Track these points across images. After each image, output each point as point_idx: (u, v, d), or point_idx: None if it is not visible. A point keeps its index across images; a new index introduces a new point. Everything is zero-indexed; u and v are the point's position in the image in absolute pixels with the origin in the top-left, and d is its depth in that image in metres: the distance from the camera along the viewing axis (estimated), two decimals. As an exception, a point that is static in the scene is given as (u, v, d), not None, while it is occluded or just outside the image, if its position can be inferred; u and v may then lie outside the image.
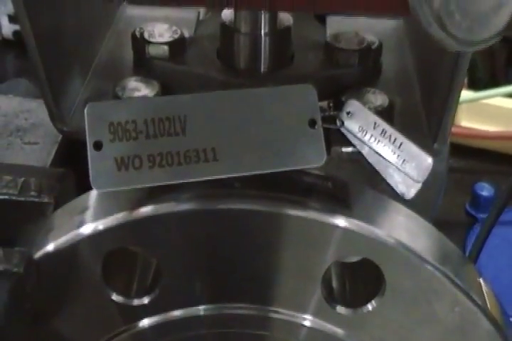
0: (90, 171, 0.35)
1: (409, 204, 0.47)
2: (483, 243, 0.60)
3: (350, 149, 0.40)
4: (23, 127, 0.51)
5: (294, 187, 0.38)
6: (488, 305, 0.39)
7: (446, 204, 0.85)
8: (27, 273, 0.36)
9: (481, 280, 0.41)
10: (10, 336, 0.36)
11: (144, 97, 0.41)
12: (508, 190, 0.49)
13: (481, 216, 0.85)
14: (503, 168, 0.90)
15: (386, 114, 0.41)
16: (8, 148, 0.51)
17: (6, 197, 0.38)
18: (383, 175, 0.39)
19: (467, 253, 0.75)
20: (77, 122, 0.42)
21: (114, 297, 0.39)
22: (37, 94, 0.55)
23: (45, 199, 0.39)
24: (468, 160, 0.92)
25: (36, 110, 0.52)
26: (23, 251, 0.37)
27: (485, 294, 0.40)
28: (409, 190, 0.39)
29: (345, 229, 0.38)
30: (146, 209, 0.37)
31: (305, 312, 0.39)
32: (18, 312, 0.37)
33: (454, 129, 0.49)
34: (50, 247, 0.37)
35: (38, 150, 0.50)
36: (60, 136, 0.50)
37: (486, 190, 0.85)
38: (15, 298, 0.36)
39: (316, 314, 0.39)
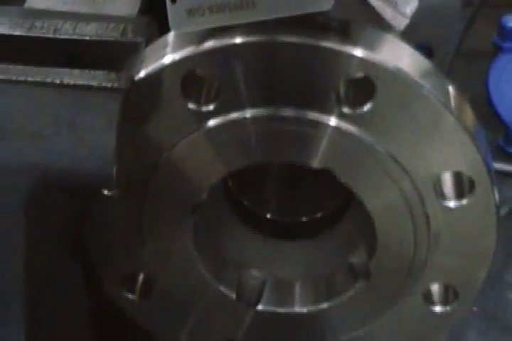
0: (169, 18, 0.52)
1: (424, 37, 0.62)
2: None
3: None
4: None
5: (314, 26, 0.55)
6: (454, 105, 0.55)
7: (475, 37, 0.97)
8: (131, 89, 0.54)
9: (453, 90, 0.57)
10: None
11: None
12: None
13: (507, 45, 0.99)
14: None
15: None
16: (104, 1, 0.67)
17: (112, 38, 0.56)
18: (379, 12, 0.54)
19: (490, 78, 0.90)
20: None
21: (190, 105, 0.57)
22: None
23: (139, 40, 0.56)
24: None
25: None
26: (128, 74, 0.55)
27: (453, 98, 0.56)
28: (400, 24, 0.55)
29: (353, 56, 0.54)
30: (209, 43, 0.54)
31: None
32: (124, 119, 0.55)
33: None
34: (143, 73, 0.56)
35: (126, 4, 0.66)
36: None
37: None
38: (124, 108, 0.54)
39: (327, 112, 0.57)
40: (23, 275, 0.55)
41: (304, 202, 0.74)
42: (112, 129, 0.54)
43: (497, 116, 0.94)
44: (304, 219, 0.74)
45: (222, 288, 0.69)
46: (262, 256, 0.72)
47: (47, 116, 0.54)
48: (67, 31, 0.56)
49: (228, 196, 0.72)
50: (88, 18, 0.58)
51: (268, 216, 0.74)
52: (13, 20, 0.56)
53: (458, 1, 0.67)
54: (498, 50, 0.99)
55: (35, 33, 0.56)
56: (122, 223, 0.65)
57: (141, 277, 0.69)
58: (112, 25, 0.57)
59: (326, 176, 0.68)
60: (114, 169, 0.54)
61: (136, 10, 0.65)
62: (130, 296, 0.70)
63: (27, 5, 0.64)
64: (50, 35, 0.56)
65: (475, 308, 0.79)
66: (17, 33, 0.56)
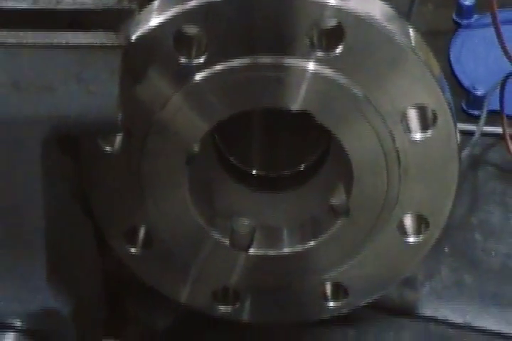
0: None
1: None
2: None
3: None
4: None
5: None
6: (414, 43, 0.65)
7: (434, 16, 1.10)
8: (129, 47, 0.62)
9: (412, 31, 0.66)
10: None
11: None
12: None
13: (465, 22, 1.10)
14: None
15: None
16: None
17: (109, 6, 0.64)
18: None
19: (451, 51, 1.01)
20: None
21: (182, 59, 0.65)
22: None
23: (133, 7, 0.64)
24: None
25: None
26: (125, 34, 0.62)
27: (413, 38, 0.65)
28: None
29: (325, 4, 0.63)
30: (191, 2, 0.63)
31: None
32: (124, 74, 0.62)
33: None
34: (138, 32, 0.64)
35: None
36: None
37: (468, 0, 1.09)
38: (123, 63, 0.62)
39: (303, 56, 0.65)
40: (44, 216, 0.62)
41: (285, 158, 0.82)
42: (115, 81, 0.61)
43: (459, 84, 1.04)
44: (287, 173, 0.82)
45: (216, 236, 0.76)
46: (251, 207, 0.80)
47: (56, 72, 0.61)
48: (68, 2, 0.64)
49: (217, 154, 0.80)
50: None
51: (253, 172, 0.82)
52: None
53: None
54: (457, 26, 1.10)
55: (39, 5, 0.64)
56: (122, 179, 0.73)
57: (141, 230, 0.76)
58: (106, -8, 0.65)
59: (304, 131, 0.77)
60: (119, 115, 0.62)
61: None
62: (132, 249, 0.77)
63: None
64: (53, 7, 0.64)
65: (446, 248, 0.88)
66: (23, 6, 0.64)
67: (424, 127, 0.69)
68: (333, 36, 0.65)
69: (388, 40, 0.65)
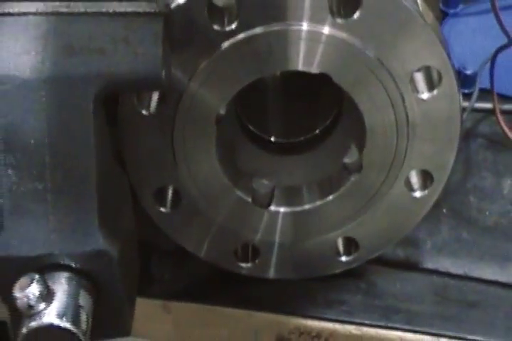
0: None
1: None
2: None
3: None
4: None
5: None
6: (421, 9, 0.73)
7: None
8: (168, 13, 0.70)
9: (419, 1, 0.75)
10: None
11: None
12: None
13: (451, 11, 1.21)
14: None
15: None
16: None
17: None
18: None
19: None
20: None
21: (215, 26, 0.73)
22: None
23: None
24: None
25: None
26: (166, 3, 0.70)
27: (420, 5, 0.74)
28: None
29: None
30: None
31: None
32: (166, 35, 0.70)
33: None
34: (174, 2, 0.72)
35: None
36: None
37: None
38: (165, 26, 0.70)
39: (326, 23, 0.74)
40: (96, 167, 0.70)
41: (300, 125, 0.91)
42: (158, 44, 0.69)
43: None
44: (302, 138, 0.90)
45: (239, 194, 0.84)
46: (271, 168, 0.88)
47: (106, 37, 0.69)
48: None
49: (238, 121, 0.88)
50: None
51: (271, 138, 0.91)
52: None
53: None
54: (444, 15, 1.21)
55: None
56: (155, 141, 0.80)
57: (170, 190, 0.84)
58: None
59: (316, 97, 0.85)
60: (163, 72, 0.69)
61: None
62: (162, 209, 0.85)
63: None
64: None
65: (444, 210, 0.96)
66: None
67: (431, 87, 0.78)
68: (349, 3, 0.74)
69: (399, 6, 0.73)
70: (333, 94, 0.83)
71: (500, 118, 1.03)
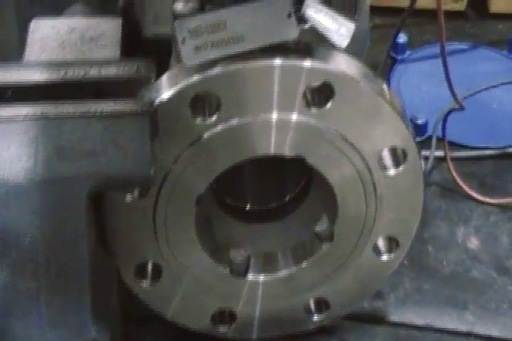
0: (181, 55, 0.75)
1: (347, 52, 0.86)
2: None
3: (307, 25, 0.81)
4: (94, 36, 0.89)
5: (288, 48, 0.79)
6: (389, 97, 0.82)
7: (373, 52, 1.29)
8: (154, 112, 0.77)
9: (386, 87, 0.83)
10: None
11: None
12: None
13: (399, 57, 1.32)
14: (416, 20, 1.30)
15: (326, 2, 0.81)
16: (89, 49, 0.88)
17: (130, 76, 0.78)
18: (326, 35, 0.80)
19: (390, 84, 1.20)
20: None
21: (198, 120, 0.80)
22: (93, 13, 0.94)
23: (151, 75, 0.78)
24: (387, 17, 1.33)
25: (98, 24, 0.90)
26: (150, 100, 0.77)
27: (387, 93, 0.82)
28: (342, 42, 0.80)
29: (312, 68, 0.79)
30: (214, 69, 0.78)
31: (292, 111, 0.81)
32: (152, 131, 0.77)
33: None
34: (161, 98, 0.78)
35: (108, 50, 0.87)
36: (120, 38, 0.88)
37: (402, 38, 1.31)
38: (151, 124, 0.76)
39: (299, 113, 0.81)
40: (88, 258, 0.76)
41: (273, 192, 0.98)
42: (146, 142, 0.75)
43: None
44: (275, 205, 0.98)
45: (218, 266, 0.91)
46: (246, 237, 0.96)
47: (95, 138, 0.75)
48: (94, 74, 0.78)
49: (214, 195, 0.95)
50: (108, 62, 0.79)
51: (247, 207, 0.98)
52: (50, 70, 0.77)
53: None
54: (394, 61, 1.33)
55: (69, 77, 0.77)
56: (137, 219, 0.86)
57: (150, 264, 0.90)
58: (128, 66, 0.79)
59: (286, 168, 0.93)
60: (152, 169, 0.76)
61: (118, 53, 0.87)
62: (143, 282, 0.91)
63: (26, 57, 0.85)
64: (81, 78, 0.78)
65: (405, 261, 1.06)
66: (56, 78, 0.77)
67: (397, 164, 0.87)
68: (323, 94, 0.81)
69: (369, 96, 0.82)
70: (303, 164, 0.90)
71: (451, 165, 1.13)
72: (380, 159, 0.86)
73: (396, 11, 1.30)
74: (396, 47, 1.32)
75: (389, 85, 1.26)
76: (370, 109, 0.82)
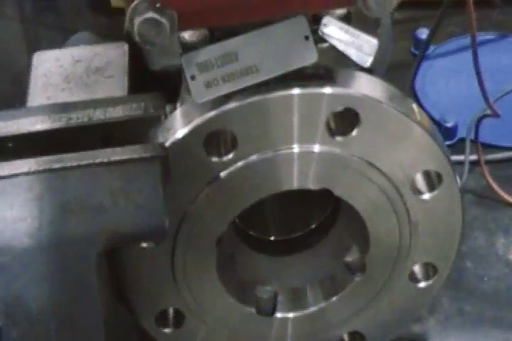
0: (191, 91, 0.68)
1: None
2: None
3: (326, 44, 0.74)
4: (100, 66, 0.83)
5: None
6: (419, 118, 0.75)
7: (394, 51, 1.20)
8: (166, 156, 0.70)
9: (415, 106, 0.76)
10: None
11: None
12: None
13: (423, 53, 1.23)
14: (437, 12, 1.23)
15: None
16: (95, 87, 0.81)
17: (138, 116, 0.71)
18: (347, 54, 0.73)
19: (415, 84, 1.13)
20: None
21: (213, 159, 0.73)
22: (98, 41, 0.87)
23: (161, 113, 0.72)
24: (407, 11, 1.25)
25: (104, 52, 0.83)
26: (160, 143, 0.70)
27: (417, 113, 0.76)
28: (366, 61, 0.73)
29: (333, 94, 0.72)
30: (228, 104, 0.71)
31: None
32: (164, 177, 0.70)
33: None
34: (173, 139, 0.72)
35: (115, 87, 0.81)
36: (127, 66, 0.82)
37: (424, 33, 1.21)
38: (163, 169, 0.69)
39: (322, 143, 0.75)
40: (101, 310, 0.70)
41: (297, 220, 0.92)
42: (158, 190, 0.69)
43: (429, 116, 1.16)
44: (300, 233, 0.92)
45: (244, 307, 0.85)
46: (272, 271, 0.89)
47: (103, 190, 0.68)
48: (99, 117, 0.71)
49: (235, 229, 0.89)
50: (113, 102, 0.73)
51: (271, 238, 0.92)
52: (52, 116, 0.71)
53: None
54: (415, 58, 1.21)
55: (73, 123, 0.71)
56: (155, 265, 0.80)
57: (171, 311, 0.84)
58: (135, 104, 0.72)
59: (312, 195, 0.86)
60: (166, 221, 0.69)
61: (126, 84, 0.80)
62: (165, 330, 0.85)
63: (30, 97, 0.79)
64: (86, 123, 0.71)
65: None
66: (60, 125, 0.70)
67: (431, 188, 0.80)
68: (347, 121, 0.74)
69: (397, 118, 0.75)
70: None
71: (486, 170, 1.05)
72: (413, 184, 0.79)
73: (415, 5, 1.24)
74: (418, 42, 1.23)
75: (413, 85, 1.22)
76: (398, 132, 0.76)
